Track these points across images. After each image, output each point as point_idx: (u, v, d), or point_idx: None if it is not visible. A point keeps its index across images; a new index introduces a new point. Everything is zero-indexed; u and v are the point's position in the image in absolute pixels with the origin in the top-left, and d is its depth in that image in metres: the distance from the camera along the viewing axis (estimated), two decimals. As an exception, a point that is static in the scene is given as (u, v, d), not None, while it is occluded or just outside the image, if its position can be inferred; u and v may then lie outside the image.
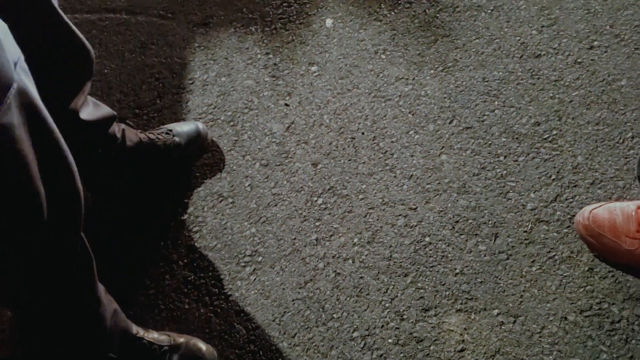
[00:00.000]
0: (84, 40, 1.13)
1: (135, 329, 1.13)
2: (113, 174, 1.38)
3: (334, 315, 1.26)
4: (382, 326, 1.24)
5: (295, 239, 1.37)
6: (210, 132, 1.53)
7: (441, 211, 1.36)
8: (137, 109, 1.60)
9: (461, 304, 1.24)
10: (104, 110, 1.28)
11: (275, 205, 1.42)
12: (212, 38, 1.71)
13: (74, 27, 1.09)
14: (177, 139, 1.42)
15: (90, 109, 1.24)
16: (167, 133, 1.42)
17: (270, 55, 1.66)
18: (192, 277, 1.34)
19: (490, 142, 1.44)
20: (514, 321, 1.21)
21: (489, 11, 1.64)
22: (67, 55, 1.12)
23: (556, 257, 1.27)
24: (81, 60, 1.15)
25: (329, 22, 1.69)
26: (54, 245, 0.83)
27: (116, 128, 1.33)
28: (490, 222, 1.33)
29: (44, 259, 0.83)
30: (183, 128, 1.44)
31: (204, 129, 1.47)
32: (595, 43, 1.55)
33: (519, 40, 1.58)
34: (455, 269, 1.28)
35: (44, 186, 0.75)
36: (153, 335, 1.15)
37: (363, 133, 1.50)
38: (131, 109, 1.59)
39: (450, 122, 1.48)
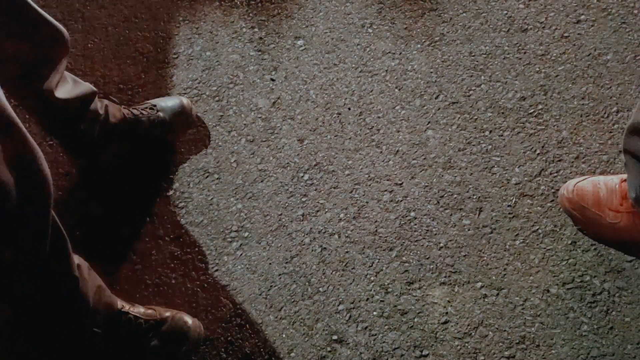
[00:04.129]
0: (53, 22, 1.13)
1: (120, 304, 1.13)
2: (97, 151, 1.37)
3: (320, 289, 1.27)
4: (367, 299, 1.25)
5: (281, 214, 1.37)
6: (195, 107, 1.51)
7: (426, 186, 1.36)
8: (121, 84, 1.58)
9: (445, 277, 1.26)
10: (84, 87, 1.27)
11: (262, 181, 1.41)
12: (197, 11, 1.69)
13: (40, 10, 1.09)
14: (161, 114, 1.41)
15: (69, 87, 1.23)
16: (151, 108, 1.41)
17: (256, 29, 1.64)
18: (179, 252, 1.34)
19: (476, 117, 1.44)
20: (497, 294, 1.23)
21: (477, -16, 1.62)
22: (34, 39, 1.11)
23: (540, 230, 1.29)
24: (51, 42, 1.15)
25: (315, -5, 1.67)
26: (24, 227, 0.83)
27: (99, 104, 1.32)
28: (474, 197, 1.34)
29: (15, 243, 0.83)
30: (167, 103, 1.43)
31: (188, 103, 1.45)
32: (582, 17, 1.55)
33: (506, 14, 1.57)
34: (440, 243, 1.29)
35: (11, 172, 0.75)
36: (139, 310, 1.15)
37: (349, 108, 1.49)
38: (115, 84, 1.58)
39: (436, 97, 1.48)
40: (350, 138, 1.45)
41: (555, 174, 1.35)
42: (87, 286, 1.04)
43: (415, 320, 1.22)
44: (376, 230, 1.32)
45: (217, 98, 1.54)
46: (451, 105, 1.46)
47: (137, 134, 1.39)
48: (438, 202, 1.34)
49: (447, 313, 1.22)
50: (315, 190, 1.39)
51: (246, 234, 1.35)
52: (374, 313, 1.24)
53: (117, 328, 1.11)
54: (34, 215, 0.85)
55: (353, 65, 1.55)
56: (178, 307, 1.27)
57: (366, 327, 1.22)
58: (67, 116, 1.26)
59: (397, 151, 1.42)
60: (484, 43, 1.54)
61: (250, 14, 1.67)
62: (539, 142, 1.39)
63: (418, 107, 1.47)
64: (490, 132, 1.42)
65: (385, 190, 1.37)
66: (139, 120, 1.38)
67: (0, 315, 1.01)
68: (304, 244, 1.33)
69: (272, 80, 1.55)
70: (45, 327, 1.03)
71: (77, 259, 1.05)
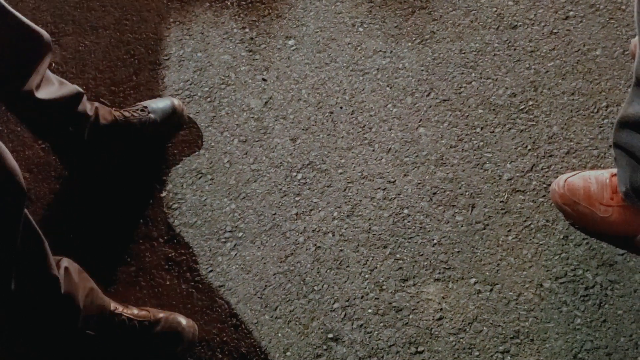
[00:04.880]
0: (29, 24, 1.13)
1: (114, 306, 1.13)
2: (89, 153, 1.37)
3: (315, 288, 1.28)
4: (362, 297, 1.25)
5: (275, 214, 1.37)
6: (187, 108, 1.51)
7: (419, 183, 1.37)
8: (113, 86, 1.57)
9: (439, 273, 1.26)
10: (69, 88, 1.27)
11: (255, 181, 1.42)
12: (187, 13, 1.69)
13: (15, 12, 1.09)
14: (152, 115, 1.41)
15: (54, 88, 1.22)
16: (142, 110, 1.41)
17: (247, 30, 1.64)
18: (173, 253, 1.34)
19: (467, 114, 1.45)
20: (491, 289, 1.24)
21: (466, -18, 1.63)
22: (8, 41, 1.11)
23: (532, 226, 1.29)
24: (28, 44, 1.15)
25: (305, -5, 1.67)
26: None
27: (88, 106, 1.32)
28: (467, 193, 1.34)
29: None
30: (158, 104, 1.43)
31: (179, 105, 1.45)
32: (571, 13, 1.56)
33: (496, 11, 1.58)
34: (433, 239, 1.30)
35: None
36: (132, 311, 1.15)
37: (341, 107, 1.49)
38: (107, 86, 1.57)
39: (427, 95, 1.49)
40: (342, 137, 1.45)
41: (547, 169, 1.36)
42: (76, 288, 1.04)
43: (410, 317, 1.23)
44: (370, 228, 1.33)
45: (209, 99, 1.54)
46: (442, 103, 1.47)
47: (129, 135, 1.39)
48: (431, 199, 1.35)
49: (441, 309, 1.23)
50: (309, 189, 1.39)
51: (240, 234, 1.35)
52: (369, 310, 1.24)
53: (111, 330, 1.11)
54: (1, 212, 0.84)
55: (344, 64, 1.56)
56: (173, 308, 1.27)
57: (361, 325, 1.23)
58: (52, 117, 1.26)
59: (390, 149, 1.42)
60: (474, 40, 1.55)
61: (241, 15, 1.67)
62: (530, 137, 1.40)
63: (409, 105, 1.48)
64: (482, 128, 1.42)
65: (379, 188, 1.38)
66: (130, 122, 1.38)
67: (0, 315, 1.01)
68: (298, 243, 1.33)
69: (264, 80, 1.55)
70: (35, 329, 1.02)
71: (66, 262, 1.05)
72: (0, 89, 1.18)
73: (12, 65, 1.14)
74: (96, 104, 1.36)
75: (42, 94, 1.19)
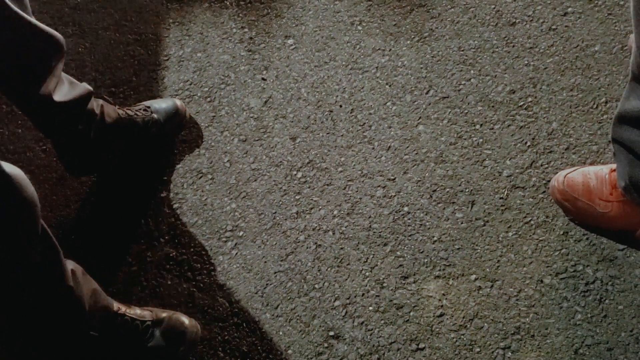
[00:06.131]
0: (46, 29, 1.13)
1: (117, 306, 1.14)
2: (92, 152, 1.37)
3: (316, 286, 1.28)
4: (363, 294, 1.26)
5: (275, 212, 1.37)
6: (188, 108, 1.52)
7: (419, 181, 1.37)
8: (113, 87, 1.58)
9: (439, 270, 1.27)
10: (80, 88, 1.27)
11: (255, 180, 1.42)
12: (187, 13, 1.69)
13: (30, 19, 1.09)
14: (155, 115, 1.41)
15: (66, 89, 1.23)
16: (145, 110, 1.41)
17: (246, 29, 1.64)
18: (174, 253, 1.35)
19: (466, 111, 1.45)
20: (491, 285, 1.24)
21: (464, -20, 1.63)
22: (27, 46, 1.11)
23: (532, 222, 1.30)
24: (45, 48, 1.15)
25: (304, -6, 1.68)
26: (8, 238, 0.84)
27: (94, 104, 1.32)
28: (467, 190, 1.35)
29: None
30: (161, 105, 1.43)
31: (182, 105, 1.46)
32: (570, 9, 1.56)
33: (494, 8, 1.59)
34: (433, 236, 1.30)
35: None
36: (135, 311, 1.16)
37: (341, 106, 1.50)
38: (107, 87, 1.58)
39: (427, 93, 1.49)
40: (342, 135, 1.46)
41: (546, 166, 1.36)
42: (82, 291, 1.04)
43: (411, 314, 1.23)
44: (370, 226, 1.33)
45: (208, 99, 1.54)
46: (442, 100, 1.47)
47: (132, 135, 1.39)
48: (431, 197, 1.35)
49: (442, 306, 1.23)
50: (309, 187, 1.40)
51: (241, 233, 1.36)
52: (370, 308, 1.24)
53: (114, 330, 1.12)
54: (16, 227, 0.85)
55: (343, 63, 1.56)
56: (175, 307, 1.27)
57: (362, 322, 1.23)
58: (66, 118, 1.26)
59: (389, 147, 1.43)
60: (473, 37, 1.55)
61: (240, 15, 1.67)
62: (530, 134, 1.40)
63: (409, 102, 1.48)
64: (481, 125, 1.43)
65: (379, 186, 1.38)
66: (134, 120, 1.39)
67: (0, 315, 1.02)
68: (298, 242, 1.33)
69: (264, 79, 1.56)
70: (40, 331, 1.03)
71: (71, 264, 1.06)
72: (18, 92, 1.18)
73: (29, 68, 1.14)
74: (101, 101, 1.36)
75: (58, 96, 1.20)
